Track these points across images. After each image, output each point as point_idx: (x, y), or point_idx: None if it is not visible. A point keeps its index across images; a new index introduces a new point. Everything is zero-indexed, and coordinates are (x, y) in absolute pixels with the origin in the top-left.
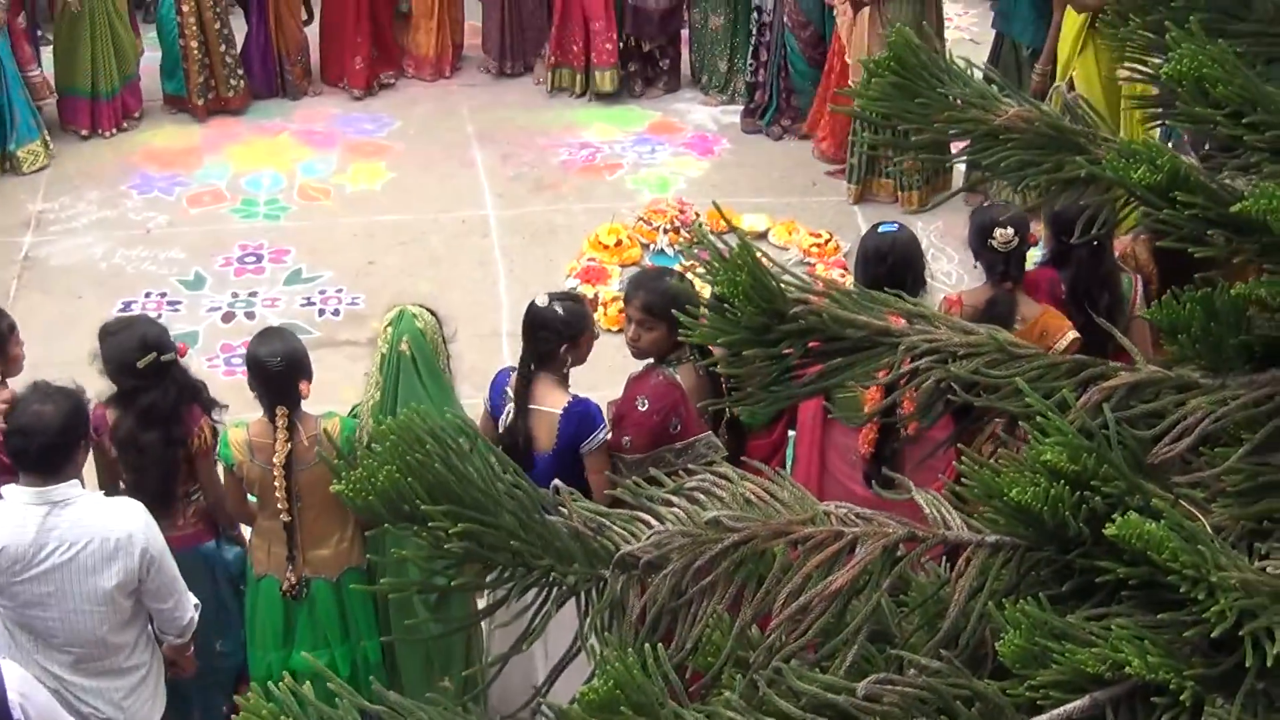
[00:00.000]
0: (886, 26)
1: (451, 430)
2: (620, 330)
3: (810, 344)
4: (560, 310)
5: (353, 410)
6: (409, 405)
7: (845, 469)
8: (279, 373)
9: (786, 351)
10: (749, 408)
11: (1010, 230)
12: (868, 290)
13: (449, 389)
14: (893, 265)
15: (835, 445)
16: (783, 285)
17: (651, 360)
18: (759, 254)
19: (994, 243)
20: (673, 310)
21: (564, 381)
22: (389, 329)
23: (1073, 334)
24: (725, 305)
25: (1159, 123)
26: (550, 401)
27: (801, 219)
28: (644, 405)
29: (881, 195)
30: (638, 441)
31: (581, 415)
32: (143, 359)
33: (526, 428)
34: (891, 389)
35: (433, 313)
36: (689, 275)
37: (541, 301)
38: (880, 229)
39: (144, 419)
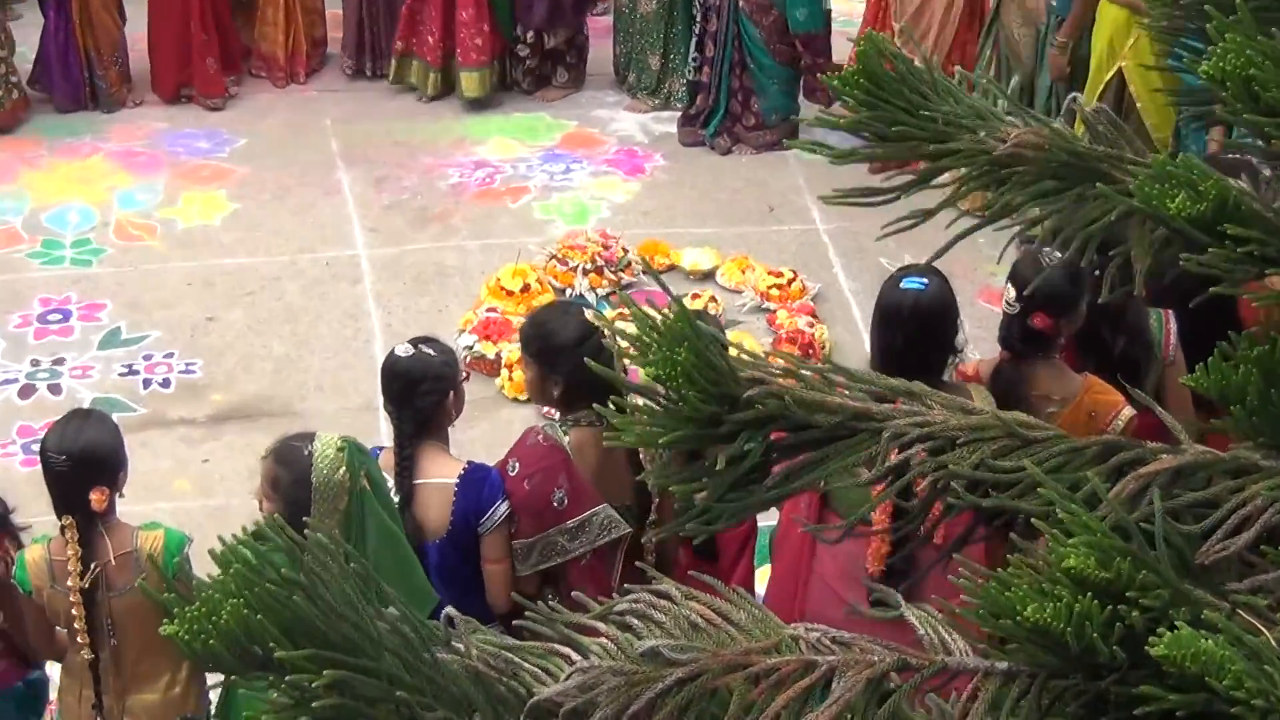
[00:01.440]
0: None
1: (315, 550)
2: (529, 400)
3: (772, 435)
4: (434, 353)
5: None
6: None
7: (839, 575)
8: (63, 474)
9: (746, 448)
10: (699, 527)
11: (1010, 289)
12: (836, 366)
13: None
14: (911, 335)
15: (831, 546)
16: (732, 362)
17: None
18: (706, 303)
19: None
20: (542, 350)
21: (447, 447)
22: (343, 471)
23: (1128, 410)
24: (661, 390)
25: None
26: (440, 471)
27: (758, 253)
28: (514, 469)
29: None
30: (522, 525)
31: (480, 483)
32: None
33: (412, 513)
34: (905, 494)
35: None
36: (602, 321)
37: (404, 351)
38: (903, 283)
39: None
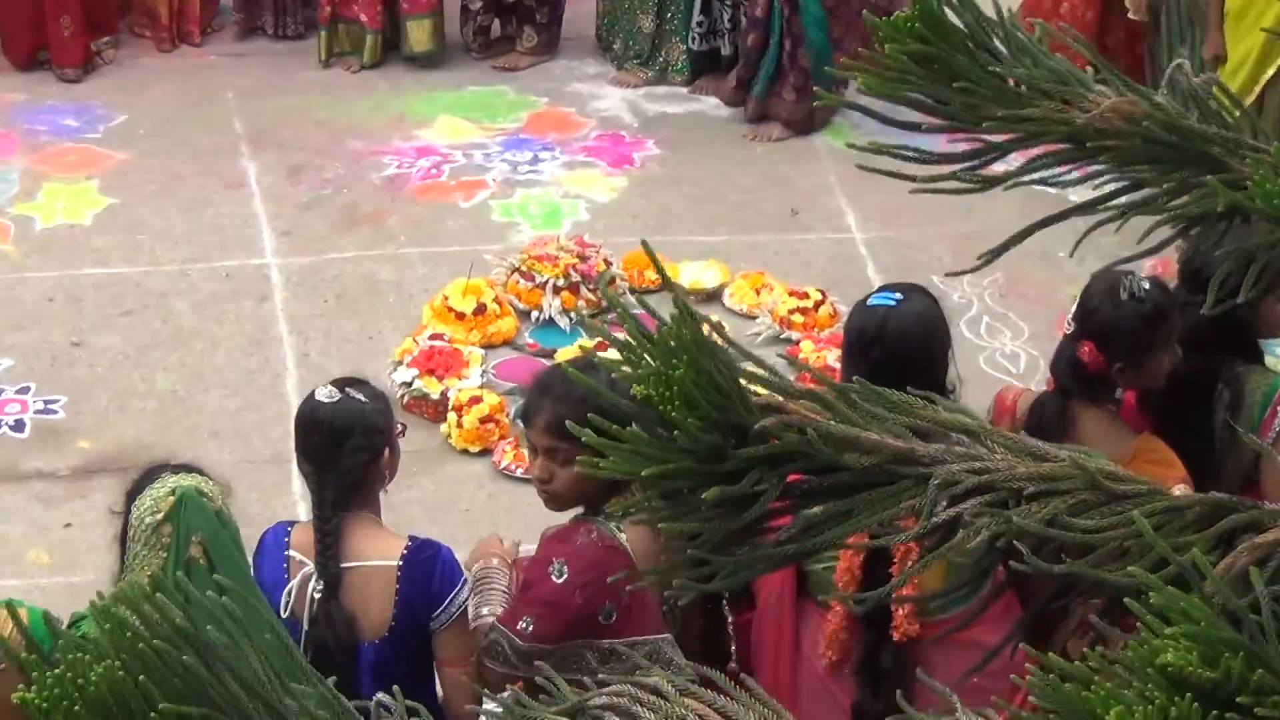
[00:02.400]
0: None
1: (217, 609)
2: (484, 452)
3: (788, 477)
4: (364, 398)
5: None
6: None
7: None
8: None
9: (755, 490)
10: (689, 584)
11: (1075, 307)
12: (875, 388)
13: (257, 593)
14: (877, 365)
15: (812, 632)
16: (744, 384)
17: (581, 511)
18: (708, 328)
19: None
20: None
21: (380, 517)
22: (166, 526)
23: (1182, 488)
24: (654, 417)
25: None
26: (377, 550)
27: (777, 269)
28: (561, 575)
29: None
30: (544, 627)
31: (430, 566)
32: None
33: (341, 605)
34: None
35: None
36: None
37: (327, 396)
38: (870, 301)
39: None
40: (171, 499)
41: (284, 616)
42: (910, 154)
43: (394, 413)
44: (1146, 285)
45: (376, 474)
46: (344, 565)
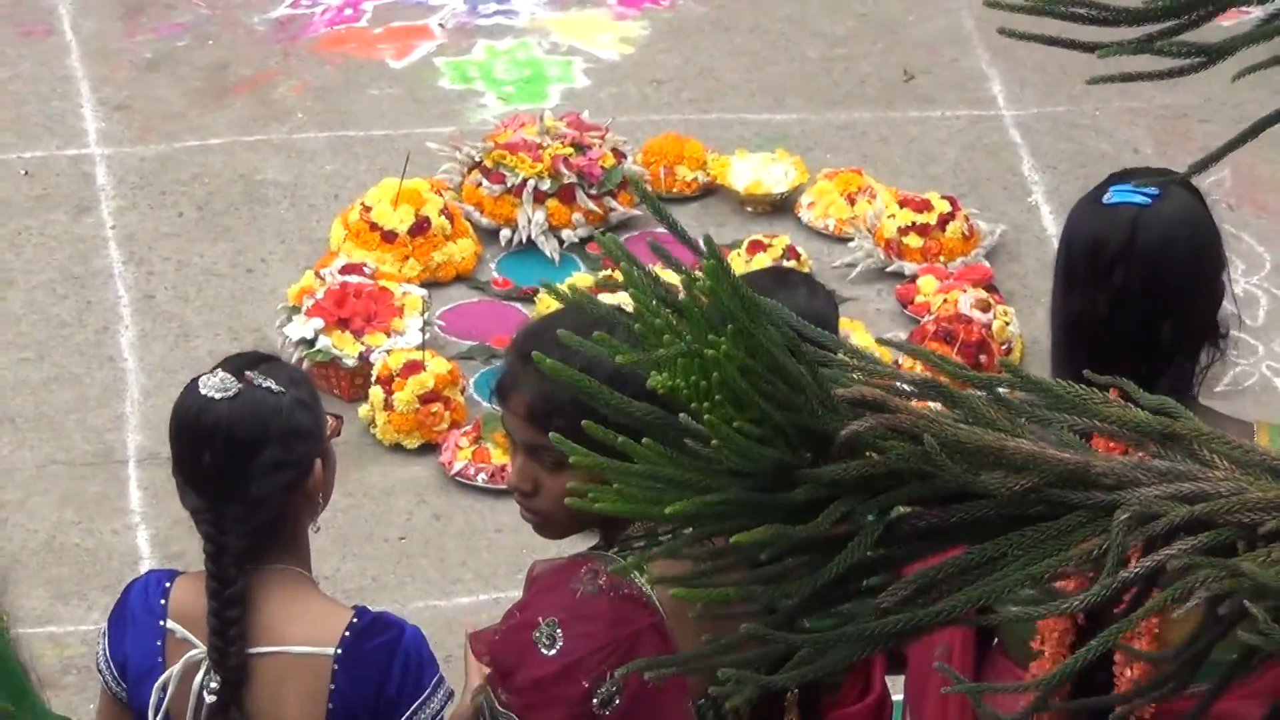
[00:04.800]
0: None
1: None
2: (426, 448)
3: (898, 508)
4: (277, 386)
5: None
6: None
7: None
8: None
9: (838, 532)
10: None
11: None
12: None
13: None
14: (1122, 288)
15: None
16: (819, 357)
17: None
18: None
19: None
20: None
21: (309, 568)
22: None
23: None
24: (673, 411)
25: None
26: (305, 628)
27: (881, 163)
28: (553, 643)
29: None
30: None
31: (384, 654)
32: None
33: (245, 714)
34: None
35: None
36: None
37: (219, 388)
38: (1108, 198)
39: None
40: None
41: None
42: (1083, 7)
43: (321, 406)
44: None
45: (302, 502)
46: (252, 651)
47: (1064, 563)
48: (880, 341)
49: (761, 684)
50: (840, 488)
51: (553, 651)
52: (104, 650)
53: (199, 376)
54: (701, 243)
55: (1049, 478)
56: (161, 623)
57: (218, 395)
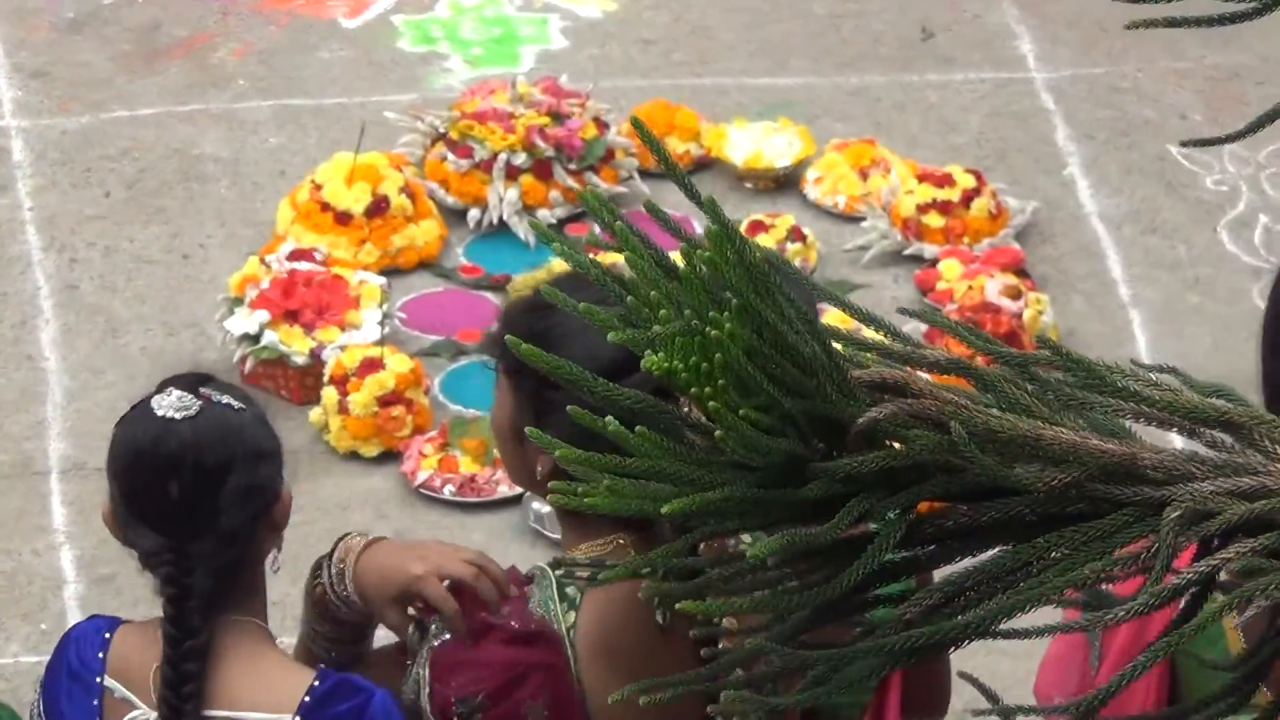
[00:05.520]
0: None
1: None
2: (386, 457)
3: (919, 506)
4: (235, 403)
5: None
6: None
7: None
8: None
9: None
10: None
11: None
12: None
13: None
14: None
15: None
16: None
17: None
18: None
19: None
20: (523, 369)
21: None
22: None
23: None
24: (666, 399)
25: None
26: (262, 691)
27: (897, 132)
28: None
29: None
30: None
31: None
32: None
33: None
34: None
35: None
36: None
37: (178, 407)
38: None
39: None
40: None
41: None
42: None
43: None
44: None
45: (266, 536)
46: (208, 714)
47: (1108, 567)
48: (901, 312)
49: (769, 706)
50: (857, 483)
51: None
52: (38, 706)
53: (149, 397)
54: (704, 212)
55: (1091, 471)
56: (99, 679)
57: (179, 415)
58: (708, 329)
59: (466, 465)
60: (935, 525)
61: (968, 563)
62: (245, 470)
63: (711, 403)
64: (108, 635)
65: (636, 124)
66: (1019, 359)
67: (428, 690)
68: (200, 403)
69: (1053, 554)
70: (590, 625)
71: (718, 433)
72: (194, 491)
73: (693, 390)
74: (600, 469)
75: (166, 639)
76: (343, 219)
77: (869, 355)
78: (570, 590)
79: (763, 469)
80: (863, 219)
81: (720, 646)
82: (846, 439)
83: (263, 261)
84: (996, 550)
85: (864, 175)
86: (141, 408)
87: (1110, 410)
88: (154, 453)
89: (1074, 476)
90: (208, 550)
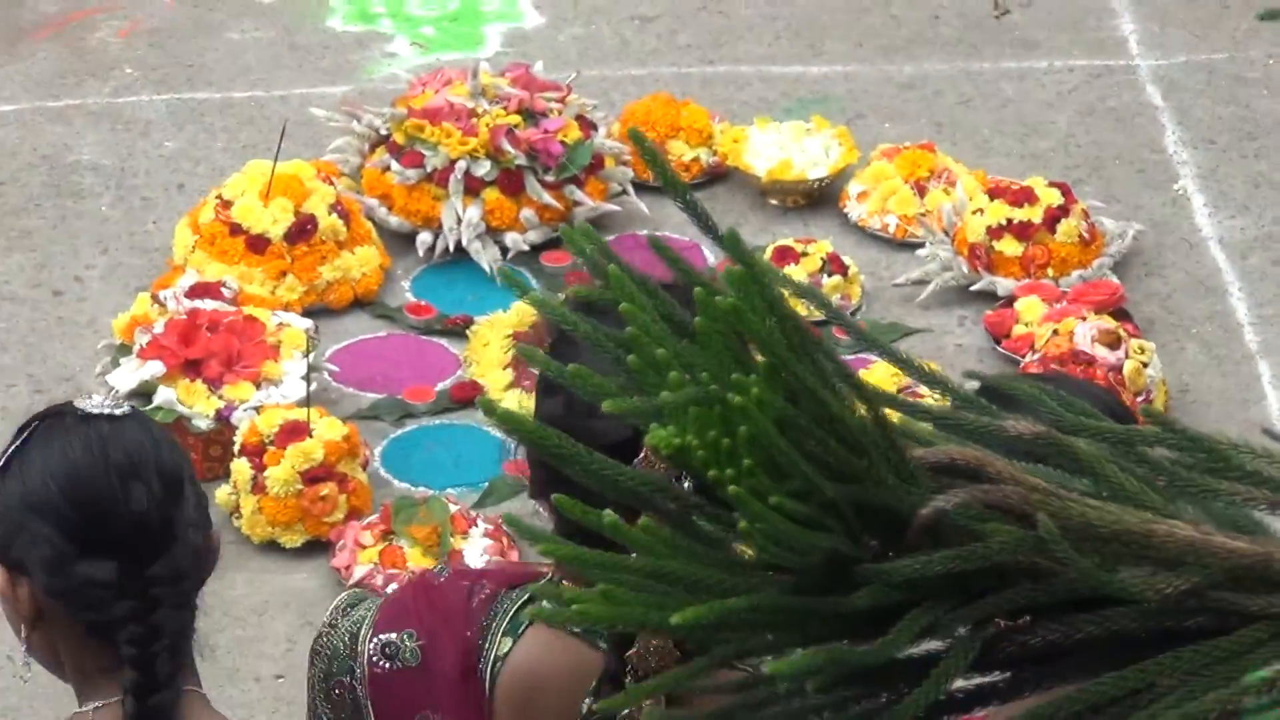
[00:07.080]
0: None
1: None
2: (312, 546)
3: (997, 620)
4: (157, 443)
5: None
6: None
7: None
8: None
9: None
10: None
11: None
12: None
13: None
14: None
15: None
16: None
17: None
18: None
19: None
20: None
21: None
22: None
23: None
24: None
25: None
26: None
27: (962, 134)
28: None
29: None
30: None
31: None
32: None
33: None
34: None
35: None
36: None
37: (104, 405)
38: None
39: None
40: None
41: None
42: None
43: None
44: None
45: (204, 575)
46: None
47: (1237, 695)
48: (969, 375)
49: None
50: (919, 590)
51: None
52: None
53: (61, 406)
54: (722, 241)
55: (1216, 576)
56: None
57: (117, 411)
58: (729, 395)
59: (414, 558)
60: (1017, 644)
61: (1058, 692)
62: (193, 478)
63: (734, 488)
64: None
65: (634, 135)
66: (1122, 436)
67: None
68: (125, 407)
69: (1167, 680)
70: (520, 663)
71: (742, 524)
72: (163, 496)
73: (711, 473)
74: (594, 569)
75: (130, 687)
76: (257, 245)
77: (928, 427)
78: (524, 615)
79: (799, 571)
80: (919, 245)
81: None
82: (905, 535)
83: (155, 299)
84: (1096, 677)
85: (920, 190)
86: (56, 421)
87: (1238, 499)
88: (108, 456)
89: (1194, 583)
90: (166, 576)
